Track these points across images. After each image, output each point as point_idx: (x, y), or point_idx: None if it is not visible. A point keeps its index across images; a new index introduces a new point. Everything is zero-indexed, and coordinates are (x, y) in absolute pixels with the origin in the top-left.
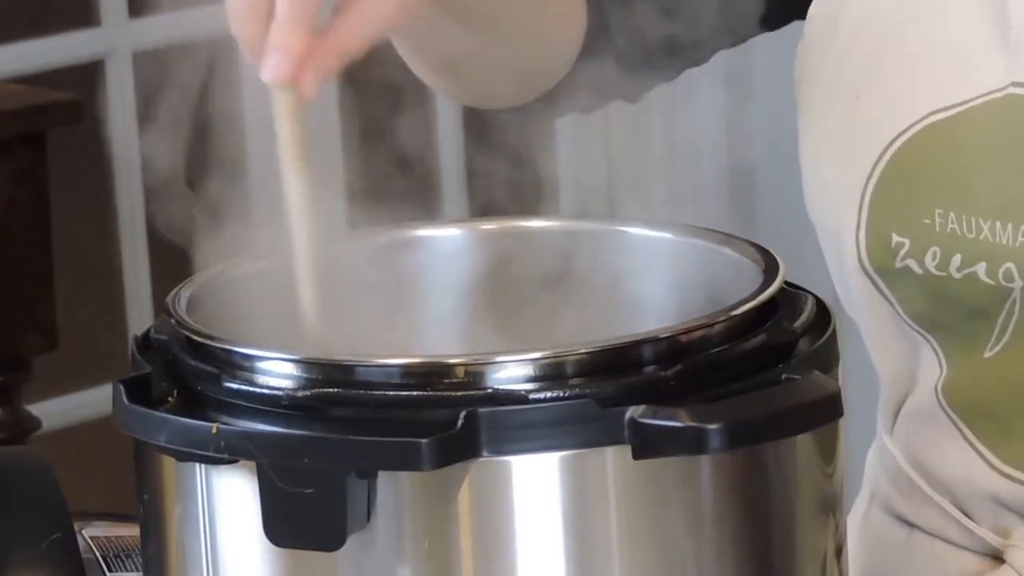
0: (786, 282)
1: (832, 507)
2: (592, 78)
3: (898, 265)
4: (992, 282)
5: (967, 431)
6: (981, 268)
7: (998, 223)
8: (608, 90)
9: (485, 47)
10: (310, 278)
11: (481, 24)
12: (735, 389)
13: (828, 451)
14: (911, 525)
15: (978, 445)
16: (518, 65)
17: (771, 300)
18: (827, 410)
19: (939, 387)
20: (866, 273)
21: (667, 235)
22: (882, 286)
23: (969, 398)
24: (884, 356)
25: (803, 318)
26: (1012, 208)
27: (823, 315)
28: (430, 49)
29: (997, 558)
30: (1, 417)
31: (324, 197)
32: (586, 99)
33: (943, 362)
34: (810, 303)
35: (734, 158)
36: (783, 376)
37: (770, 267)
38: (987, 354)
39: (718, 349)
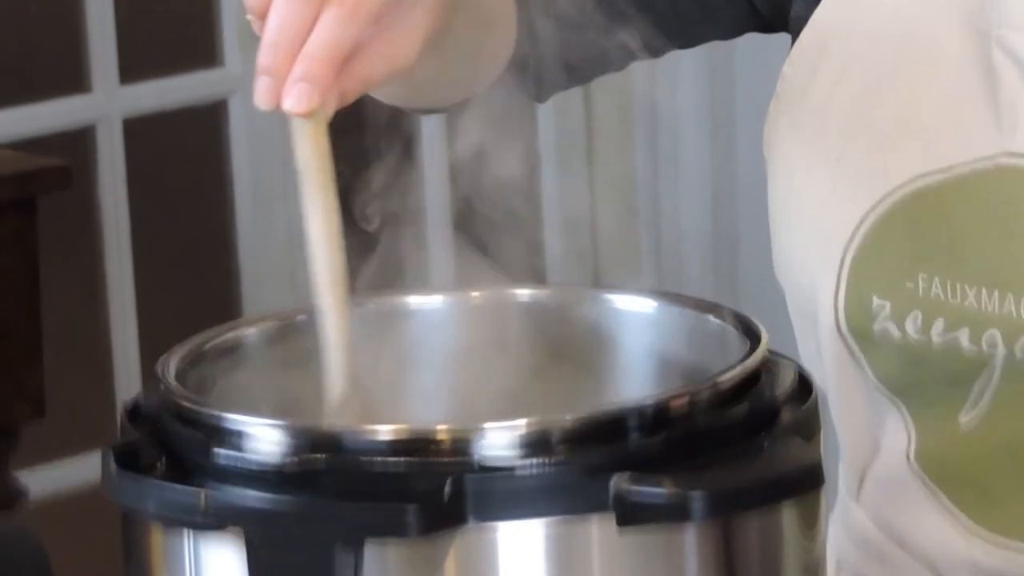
0: (768, 349)
1: (814, 573)
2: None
3: (876, 328)
4: (974, 348)
5: (944, 498)
6: (964, 334)
7: (984, 289)
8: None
9: (447, 65)
10: (331, 306)
11: (462, 48)
12: (718, 457)
13: (810, 518)
14: None
15: (957, 512)
16: (466, 78)
17: (754, 369)
18: (809, 479)
19: (911, 454)
20: (841, 335)
21: (651, 302)
22: (856, 349)
23: (946, 465)
24: (848, 421)
25: (785, 387)
26: (1000, 275)
27: (804, 384)
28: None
29: None
30: None
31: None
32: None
33: (912, 428)
34: (792, 371)
35: (717, 225)
36: (765, 444)
37: (752, 336)
38: (962, 419)
39: (701, 418)
